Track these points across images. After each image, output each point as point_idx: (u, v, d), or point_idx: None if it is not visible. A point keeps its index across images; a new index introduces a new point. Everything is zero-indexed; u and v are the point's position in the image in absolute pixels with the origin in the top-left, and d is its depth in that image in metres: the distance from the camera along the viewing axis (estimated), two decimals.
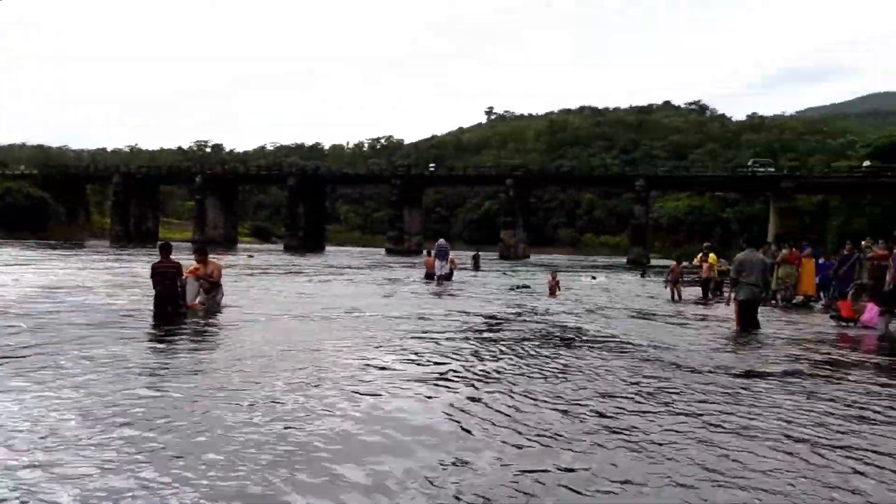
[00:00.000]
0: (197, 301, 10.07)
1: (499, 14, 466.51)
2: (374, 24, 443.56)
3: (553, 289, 16.78)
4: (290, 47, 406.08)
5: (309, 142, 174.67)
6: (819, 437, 4.24)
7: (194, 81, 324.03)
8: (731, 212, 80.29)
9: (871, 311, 10.62)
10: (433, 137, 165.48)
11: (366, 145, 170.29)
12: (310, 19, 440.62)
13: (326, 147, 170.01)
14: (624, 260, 57.85)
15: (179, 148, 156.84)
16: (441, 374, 5.93)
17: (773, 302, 15.29)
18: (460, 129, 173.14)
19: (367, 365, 6.23)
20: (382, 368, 6.10)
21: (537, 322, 10.56)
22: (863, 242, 14.44)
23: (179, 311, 9.18)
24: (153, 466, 3.32)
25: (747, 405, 5.08)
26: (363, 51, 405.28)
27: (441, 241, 20.45)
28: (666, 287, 17.24)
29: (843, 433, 4.36)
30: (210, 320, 9.14)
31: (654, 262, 55.17)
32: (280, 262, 32.10)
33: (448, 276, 19.73)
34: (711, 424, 4.46)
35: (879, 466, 3.69)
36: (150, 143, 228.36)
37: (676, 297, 16.25)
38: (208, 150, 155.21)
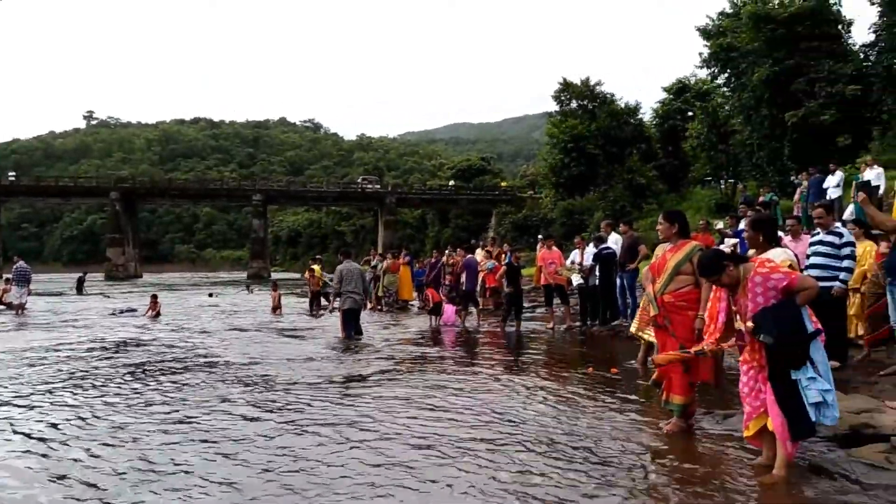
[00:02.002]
0: None
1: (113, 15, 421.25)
2: None
3: (155, 311, 15.76)
4: None
5: None
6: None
7: None
8: (347, 225, 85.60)
9: (449, 310, 12.28)
10: (14, 141, 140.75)
11: None
12: None
13: None
14: (245, 274, 57.16)
15: None
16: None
17: (380, 308, 16.69)
18: (52, 133, 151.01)
19: None
20: None
21: (137, 348, 9.66)
22: (446, 251, 16.64)
23: None
24: None
25: (339, 405, 5.40)
26: None
27: (20, 263, 17.53)
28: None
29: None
30: None
31: (275, 275, 55.70)
32: None
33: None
34: (297, 425, 4.62)
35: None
36: None
37: (280, 311, 16.54)
38: None
